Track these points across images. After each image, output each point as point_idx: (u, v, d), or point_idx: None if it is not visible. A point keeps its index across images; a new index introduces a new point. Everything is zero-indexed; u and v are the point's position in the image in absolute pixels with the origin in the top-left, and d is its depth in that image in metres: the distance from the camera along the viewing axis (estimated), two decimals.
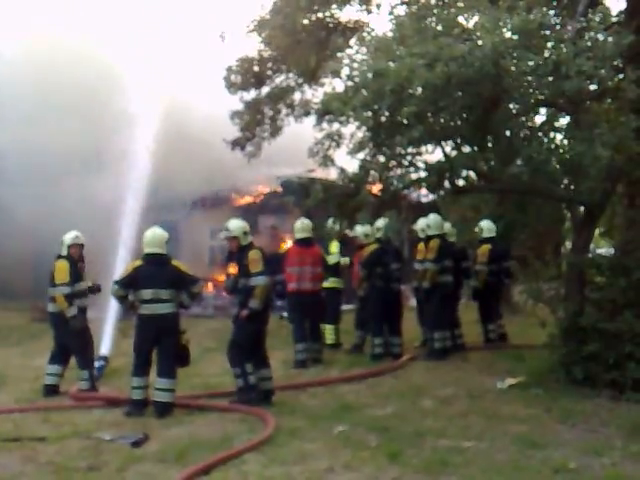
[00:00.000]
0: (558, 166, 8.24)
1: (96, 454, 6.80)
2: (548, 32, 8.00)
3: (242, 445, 6.80)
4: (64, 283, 9.07)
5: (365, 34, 8.94)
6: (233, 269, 8.62)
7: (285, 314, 11.77)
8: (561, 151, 8.26)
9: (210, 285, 18.65)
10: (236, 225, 8.56)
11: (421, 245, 11.35)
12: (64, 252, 9.29)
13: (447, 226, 11.87)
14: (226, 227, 8.59)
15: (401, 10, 8.99)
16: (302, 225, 10.93)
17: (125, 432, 7.38)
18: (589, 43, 7.85)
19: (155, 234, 8.38)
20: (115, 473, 6.31)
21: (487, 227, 12.13)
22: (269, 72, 16.92)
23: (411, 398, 8.56)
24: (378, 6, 14.70)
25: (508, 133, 8.35)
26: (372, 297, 11.02)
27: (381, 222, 10.75)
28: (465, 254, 12.41)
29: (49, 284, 9.19)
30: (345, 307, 13.11)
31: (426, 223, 11.20)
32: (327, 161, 8.81)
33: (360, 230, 11.26)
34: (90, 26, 18.37)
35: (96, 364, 9.70)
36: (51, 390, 9.17)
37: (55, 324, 9.30)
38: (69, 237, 9.37)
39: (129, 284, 8.20)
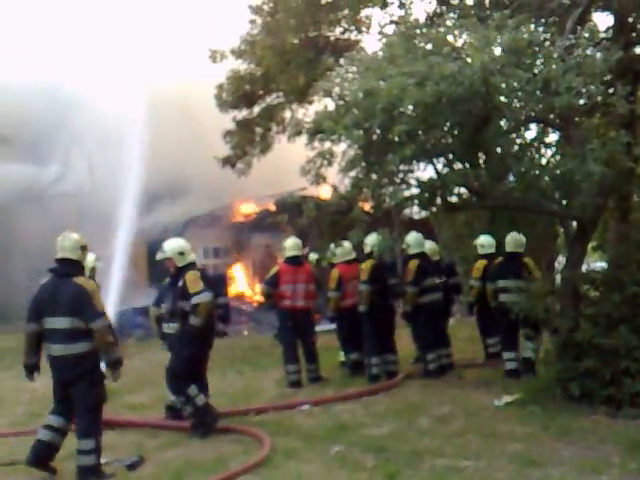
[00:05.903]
0: (550, 182, 8.26)
1: None
2: (537, 49, 8.04)
3: (238, 467, 6.75)
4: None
5: (355, 53, 8.92)
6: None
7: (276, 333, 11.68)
8: (552, 167, 8.28)
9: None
10: (170, 245, 8.13)
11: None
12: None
13: (430, 244, 11.67)
14: (161, 247, 8.13)
15: (390, 29, 9.02)
16: (293, 243, 10.89)
17: (120, 455, 7.33)
18: (578, 59, 7.89)
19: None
20: None
21: (487, 243, 12.07)
22: (260, 92, 16.97)
23: (407, 417, 8.50)
24: (368, 27, 14.81)
25: (499, 150, 8.36)
26: (367, 315, 10.68)
27: (370, 238, 10.51)
28: (453, 270, 12.35)
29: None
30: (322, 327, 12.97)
31: (405, 242, 10.87)
32: (319, 179, 8.82)
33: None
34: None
35: None
36: None
37: None
38: (91, 260, 9.23)
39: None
